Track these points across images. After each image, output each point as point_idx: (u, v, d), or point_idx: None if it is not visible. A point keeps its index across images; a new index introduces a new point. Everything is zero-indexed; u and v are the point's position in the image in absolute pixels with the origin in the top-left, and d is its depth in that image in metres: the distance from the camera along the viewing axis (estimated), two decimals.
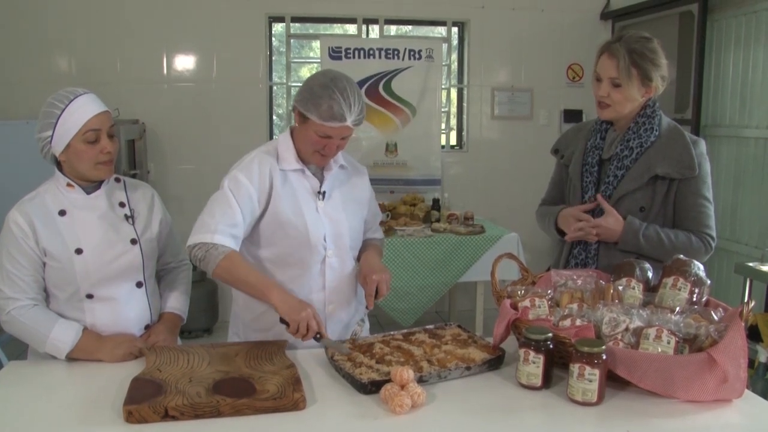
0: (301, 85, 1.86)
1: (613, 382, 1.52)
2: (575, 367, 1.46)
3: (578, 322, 1.59)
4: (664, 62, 1.95)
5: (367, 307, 1.91)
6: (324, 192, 1.91)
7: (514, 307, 1.72)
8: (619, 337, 1.56)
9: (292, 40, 4.97)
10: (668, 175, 1.93)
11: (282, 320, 1.71)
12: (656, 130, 1.98)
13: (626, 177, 1.96)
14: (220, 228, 1.75)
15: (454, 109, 5.27)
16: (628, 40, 1.91)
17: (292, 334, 1.70)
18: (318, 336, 1.71)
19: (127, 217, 1.85)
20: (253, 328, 1.96)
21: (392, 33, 5.16)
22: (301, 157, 1.89)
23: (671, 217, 1.98)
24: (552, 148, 2.24)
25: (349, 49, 4.68)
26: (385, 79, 4.70)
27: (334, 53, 4.66)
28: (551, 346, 1.53)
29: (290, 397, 1.44)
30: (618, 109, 1.95)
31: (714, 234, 1.97)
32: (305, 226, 1.86)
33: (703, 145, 1.99)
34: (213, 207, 1.79)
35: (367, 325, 2.09)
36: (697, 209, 1.95)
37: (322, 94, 1.75)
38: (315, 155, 1.84)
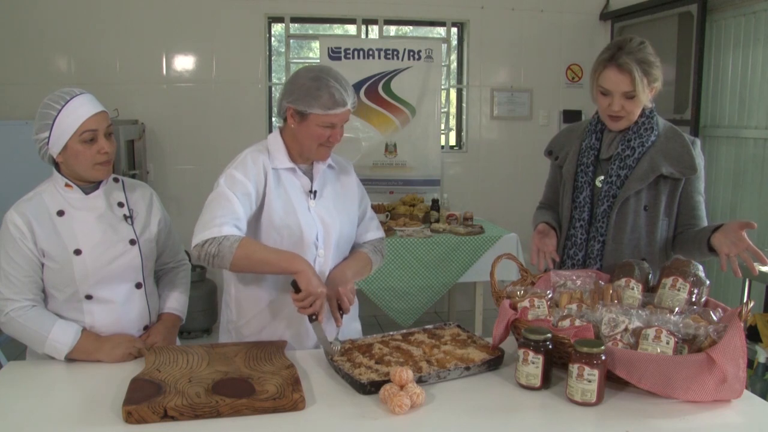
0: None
1: (612, 382, 1.52)
2: (574, 368, 1.46)
3: (577, 322, 1.59)
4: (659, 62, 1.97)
5: (337, 326, 1.84)
6: (315, 191, 1.90)
7: (514, 307, 1.72)
8: (618, 337, 1.56)
9: (291, 41, 4.97)
10: (672, 175, 1.95)
11: (294, 285, 1.70)
12: (656, 130, 1.99)
13: (631, 177, 1.97)
14: (225, 221, 1.73)
15: (453, 110, 5.27)
16: (632, 50, 1.89)
17: (298, 301, 1.69)
18: (314, 317, 1.72)
19: (125, 218, 1.84)
20: (245, 334, 1.94)
21: (392, 33, 5.17)
22: (293, 157, 1.88)
23: (675, 215, 2.01)
24: (545, 150, 2.24)
25: (349, 49, 4.68)
26: (384, 80, 4.70)
27: (334, 53, 4.66)
28: (550, 347, 1.53)
29: (289, 398, 1.44)
30: (631, 119, 1.96)
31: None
32: (299, 226, 1.85)
33: (699, 144, 2.02)
34: (212, 206, 1.77)
35: (358, 326, 2.07)
36: (698, 207, 2.00)
37: (319, 86, 1.76)
38: (320, 149, 1.84)
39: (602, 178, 2.02)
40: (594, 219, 2.02)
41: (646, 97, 1.92)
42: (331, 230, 1.90)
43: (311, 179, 1.91)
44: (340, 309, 1.83)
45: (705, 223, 1.99)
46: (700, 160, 1.98)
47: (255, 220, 1.84)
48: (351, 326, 2.02)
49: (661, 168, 1.94)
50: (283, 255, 1.75)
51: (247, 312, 1.93)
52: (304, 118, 1.79)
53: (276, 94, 5.11)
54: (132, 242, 1.83)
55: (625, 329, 1.56)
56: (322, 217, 1.89)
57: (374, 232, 2.08)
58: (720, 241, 1.78)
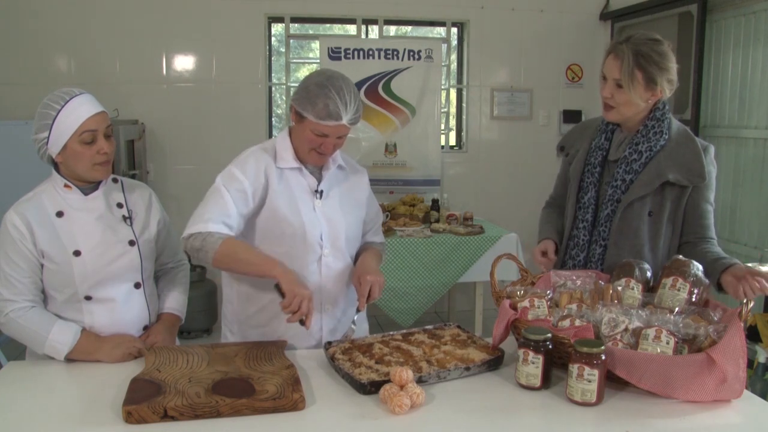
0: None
1: (612, 382, 1.52)
2: (574, 368, 1.46)
3: (577, 322, 1.59)
4: (673, 66, 1.90)
5: (358, 309, 1.89)
6: (321, 191, 1.91)
7: (514, 307, 1.72)
8: (618, 337, 1.56)
9: (291, 41, 4.97)
10: (679, 182, 1.90)
11: (279, 290, 1.69)
12: (666, 134, 1.95)
13: (636, 182, 1.93)
14: (213, 217, 1.77)
15: (453, 110, 5.27)
16: (635, 41, 1.87)
17: (285, 306, 1.68)
18: (303, 320, 1.70)
19: (125, 218, 1.84)
20: (250, 325, 1.94)
21: (392, 33, 5.16)
22: (299, 156, 1.89)
23: (680, 222, 1.96)
24: (558, 145, 2.21)
25: (349, 49, 4.68)
26: (384, 80, 4.70)
27: (334, 54, 4.66)
28: (550, 347, 1.53)
29: (289, 398, 1.44)
30: (622, 111, 1.93)
31: (714, 236, 1.98)
32: (302, 225, 1.86)
33: (712, 151, 1.96)
34: (206, 201, 1.82)
35: (366, 326, 2.08)
36: (705, 216, 1.95)
37: (319, 93, 1.76)
38: (312, 153, 1.85)
39: (608, 180, 2.01)
40: (597, 222, 2.01)
41: (638, 94, 1.88)
42: (338, 230, 1.91)
43: (318, 179, 1.92)
44: (368, 297, 1.85)
45: (712, 232, 1.95)
46: (711, 168, 1.93)
47: (259, 217, 1.86)
48: (362, 327, 2.03)
49: (667, 174, 1.90)
50: (266, 258, 1.76)
51: (248, 309, 1.93)
52: (301, 120, 1.81)
53: (276, 94, 5.12)
54: (131, 243, 1.83)
55: (625, 329, 1.56)
56: (328, 217, 1.90)
57: (380, 236, 2.14)
58: (734, 286, 1.74)
